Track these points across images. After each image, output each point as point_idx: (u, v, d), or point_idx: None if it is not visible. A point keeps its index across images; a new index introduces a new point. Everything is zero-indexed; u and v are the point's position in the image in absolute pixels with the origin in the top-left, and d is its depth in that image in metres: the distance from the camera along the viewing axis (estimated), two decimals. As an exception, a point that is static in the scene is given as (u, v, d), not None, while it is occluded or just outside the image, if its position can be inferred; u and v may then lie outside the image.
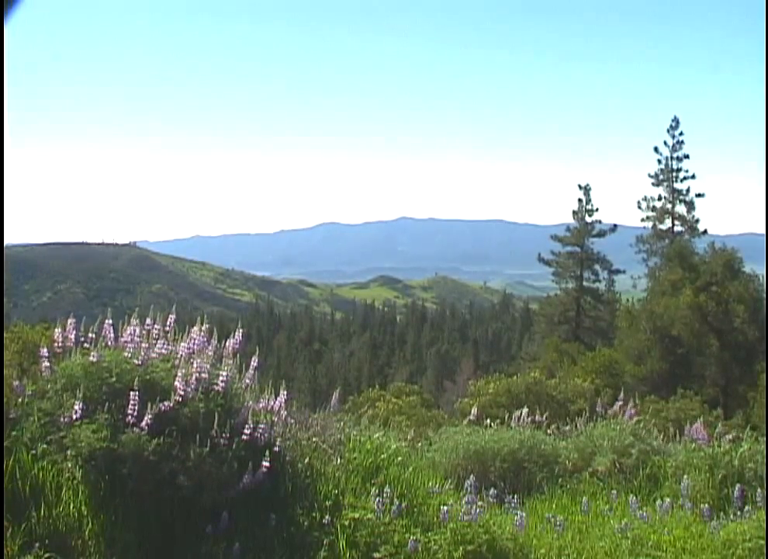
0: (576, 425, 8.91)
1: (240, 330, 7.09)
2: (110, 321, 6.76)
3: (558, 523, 6.19)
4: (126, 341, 6.66)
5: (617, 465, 7.55)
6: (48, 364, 6.75)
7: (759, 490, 5.86)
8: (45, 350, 6.76)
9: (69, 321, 6.73)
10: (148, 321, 6.79)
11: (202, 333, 6.97)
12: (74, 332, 6.69)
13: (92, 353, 6.49)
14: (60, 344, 6.72)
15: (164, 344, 6.77)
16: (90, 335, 6.76)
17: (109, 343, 6.82)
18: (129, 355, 6.55)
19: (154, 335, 6.80)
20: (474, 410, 8.77)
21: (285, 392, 7.50)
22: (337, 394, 8.11)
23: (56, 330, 6.65)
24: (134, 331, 6.68)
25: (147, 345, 6.63)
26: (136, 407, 6.18)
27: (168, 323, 6.96)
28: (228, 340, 7.10)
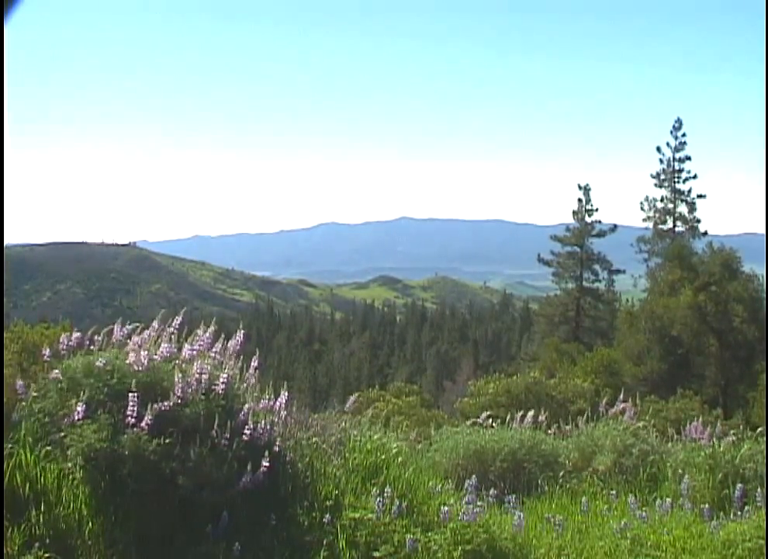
0: (576, 425, 8.91)
1: (242, 332, 7.11)
2: (116, 324, 6.79)
3: (558, 523, 6.19)
4: (127, 343, 6.68)
5: (617, 465, 7.55)
6: (50, 365, 6.76)
7: (759, 490, 5.86)
8: (47, 351, 6.78)
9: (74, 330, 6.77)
10: (154, 324, 6.83)
11: (204, 334, 6.99)
12: (79, 334, 6.73)
13: (97, 358, 6.51)
14: (64, 346, 6.75)
15: (166, 345, 6.79)
16: (96, 337, 6.79)
17: (110, 344, 6.84)
18: (131, 356, 6.57)
19: (156, 337, 6.82)
20: (483, 414, 8.70)
21: (285, 392, 7.51)
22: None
23: (62, 335, 6.66)
24: (135, 332, 6.70)
25: (148, 346, 6.65)
26: (137, 408, 6.19)
27: (172, 324, 6.98)
28: (229, 341, 7.12)
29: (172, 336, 6.93)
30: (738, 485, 5.79)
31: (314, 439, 7.41)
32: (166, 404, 6.26)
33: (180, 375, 6.40)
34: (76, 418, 6.23)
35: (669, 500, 6.19)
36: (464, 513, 5.78)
